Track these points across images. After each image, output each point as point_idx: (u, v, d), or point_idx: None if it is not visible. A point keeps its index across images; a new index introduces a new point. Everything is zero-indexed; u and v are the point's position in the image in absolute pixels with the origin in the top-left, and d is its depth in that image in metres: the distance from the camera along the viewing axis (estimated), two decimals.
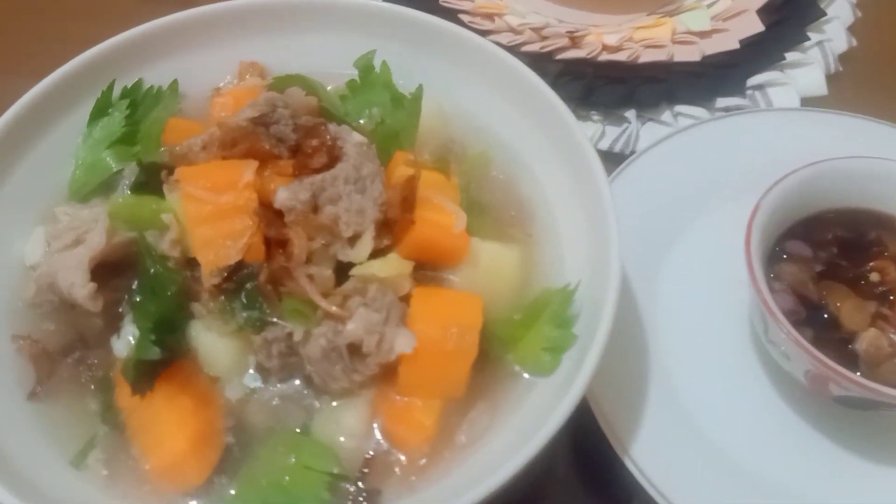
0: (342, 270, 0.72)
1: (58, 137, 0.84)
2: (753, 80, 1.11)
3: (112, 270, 0.74)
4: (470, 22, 1.14)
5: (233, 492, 0.65)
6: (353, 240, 0.72)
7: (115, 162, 0.84)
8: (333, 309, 0.68)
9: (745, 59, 1.12)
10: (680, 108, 1.09)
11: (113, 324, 0.73)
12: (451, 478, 0.66)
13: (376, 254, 0.72)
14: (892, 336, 0.77)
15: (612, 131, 1.08)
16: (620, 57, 1.10)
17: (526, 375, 0.71)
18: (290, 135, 0.77)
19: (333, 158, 0.76)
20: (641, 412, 0.81)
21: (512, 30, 1.14)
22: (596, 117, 1.09)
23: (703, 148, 1.01)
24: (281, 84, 0.81)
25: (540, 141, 0.83)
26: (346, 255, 0.71)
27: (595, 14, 1.21)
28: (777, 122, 1.05)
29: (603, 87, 1.08)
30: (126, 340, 0.72)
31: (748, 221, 0.81)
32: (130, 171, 0.80)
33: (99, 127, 0.85)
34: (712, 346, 0.87)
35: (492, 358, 0.72)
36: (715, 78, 1.11)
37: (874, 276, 0.82)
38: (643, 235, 0.93)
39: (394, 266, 0.70)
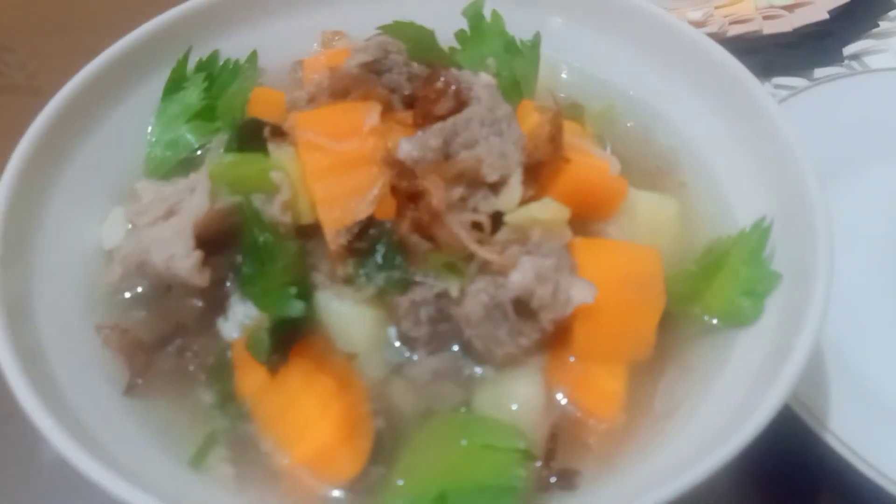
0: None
1: (128, 112, 0.74)
2: (849, 49, 1.05)
3: (212, 245, 0.62)
4: None
5: (401, 482, 0.52)
6: (497, 187, 0.61)
7: (196, 138, 0.74)
8: (495, 257, 0.57)
9: (838, 29, 1.06)
10: (778, 79, 1.02)
11: (217, 306, 0.61)
12: (656, 454, 0.54)
13: (523, 204, 0.61)
14: None
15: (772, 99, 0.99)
16: (708, 30, 1.03)
17: (723, 328, 0.59)
18: (404, 83, 0.68)
19: (461, 103, 0.65)
20: (825, 385, 0.69)
21: None
22: None
23: (813, 115, 0.93)
24: (390, 32, 0.71)
25: (676, 89, 0.74)
26: (492, 204, 0.60)
27: None
28: (883, 83, 0.97)
29: None
30: (237, 321, 0.60)
31: None
32: (217, 143, 0.70)
33: (175, 101, 0.75)
34: (875, 309, 0.77)
35: (675, 315, 0.60)
36: (811, 48, 1.04)
37: None
38: None
39: (553, 209, 0.59)
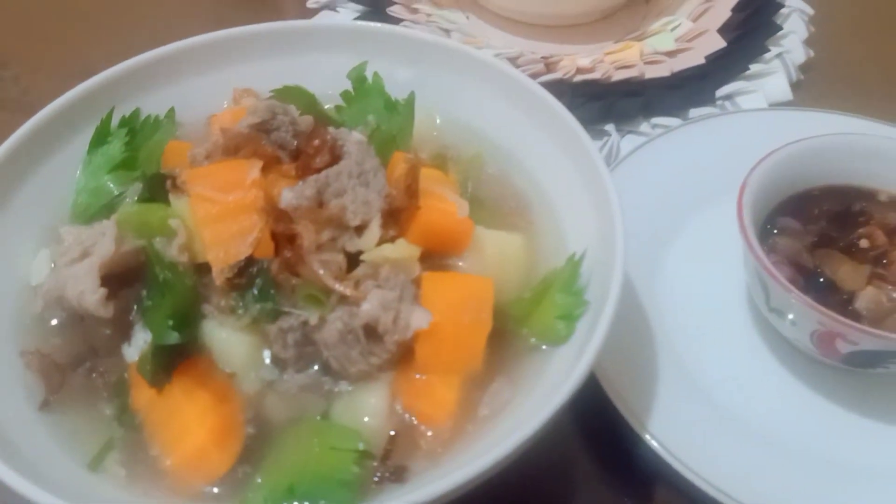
0: (352, 262, 0.73)
1: (58, 164, 0.85)
2: (722, 91, 1.17)
3: (121, 281, 0.74)
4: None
5: (259, 480, 0.64)
6: (361, 230, 0.73)
7: (117, 186, 0.85)
8: (348, 291, 0.68)
9: (713, 72, 1.18)
10: (656, 119, 1.14)
11: (123, 332, 0.72)
12: (474, 449, 0.65)
13: (384, 243, 0.73)
14: (890, 293, 0.79)
15: (595, 145, 1.11)
16: (594, 76, 1.15)
17: (543, 346, 0.71)
18: (290, 140, 0.80)
19: (335, 157, 0.77)
20: (653, 387, 0.81)
21: None
22: None
23: (684, 150, 1.05)
24: (280, 96, 0.83)
25: (530, 136, 0.86)
26: (355, 244, 0.72)
27: (566, 45, 1.27)
28: (750, 123, 1.10)
29: (582, 104, 1.13)
30: (137, 346, 0.71)
31: (738, 198, 0.83)
32: (133, 191, 0.81)
33: (99, 154, 0.86)
34: (715, 325, 0.89)
35: (507, 335, 0.72)
36: (687, 90, 1.16)
37: (864, 243, 0.85)
38: (638, 234, 0.95)
39: (403, 249, 0.71)
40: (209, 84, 0.93)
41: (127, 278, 0.75)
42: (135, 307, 0.73)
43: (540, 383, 0.68)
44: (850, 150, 0.90)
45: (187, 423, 0.65)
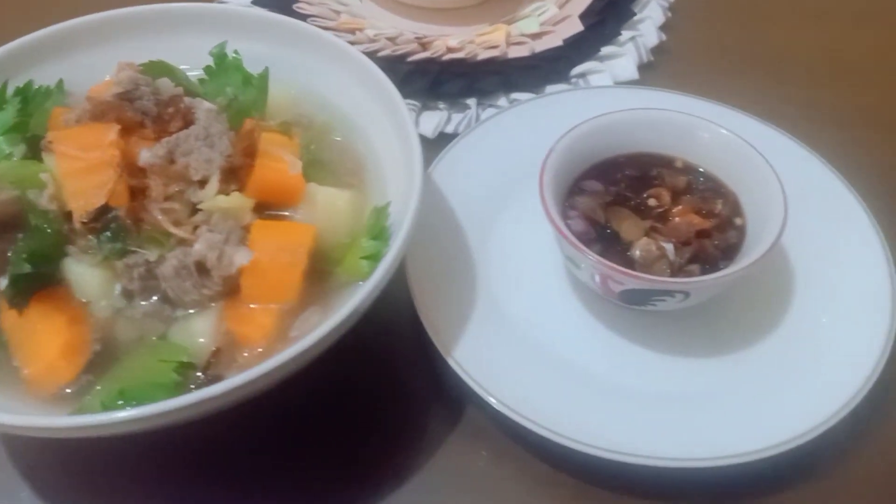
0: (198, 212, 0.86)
1: None
2: (576, 70, 1.30)
3: (2, 226, 0.87)
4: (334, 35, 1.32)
5: (98, 387, 0.78)
6: (203, 184, 0.87)
7: (8, 146, 0.97)
8: (181, 233, 0.82)
9: (569, 54, 1.31)
10: (515, 95, 1.27)
11: (2, 269, 0.86)
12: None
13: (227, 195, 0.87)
14: (661, 243, 0.94)
15: (457, 117, 1.25)
16: (460, 55, 1.28)
17: (353, 283, 0.85)
18: (151, 108, 0.93)
19: (188, 122, 0.91)
20: (465, 321, 0.95)
21: (370, 40, 1.32)
22: (442, 106, 1.26)
23: (534, 121, 1.19)
24: (147, 70, 0.96)
25: (369, 108, 0.99)
26: (197, 196, 0.86)
27: (446, 27, 1.40)
28: (596, 98, 1.23)
29: (448, 80, 1.26)
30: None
31: (542, 163, 0.97)
32: (19, 151, 0.94)
33: None
34: (530, 271, 1.03)
35: (325, 274, 0.86)
36: (545, 70, 1.30)
37: (652, 202, 0.99)
38: (480, 196, 1.09)
39: (235, 200, 0.85)
40: (97, 58, 1.05)
41: (6, 224, 0.88)
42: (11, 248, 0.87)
43: (343, 311, 0.82)
44: (653, 123, 1.04)
45: (41, 340, 0.78)
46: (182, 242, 0.83)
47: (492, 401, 0.88)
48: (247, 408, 0.76)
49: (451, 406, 0.94)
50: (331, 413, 0.92)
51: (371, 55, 1.26)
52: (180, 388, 0.77)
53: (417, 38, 1.31)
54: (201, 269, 0.82)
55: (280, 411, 0.89)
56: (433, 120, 1.23)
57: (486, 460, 0.91)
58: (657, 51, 1.37)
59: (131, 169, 0.87)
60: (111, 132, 0.87)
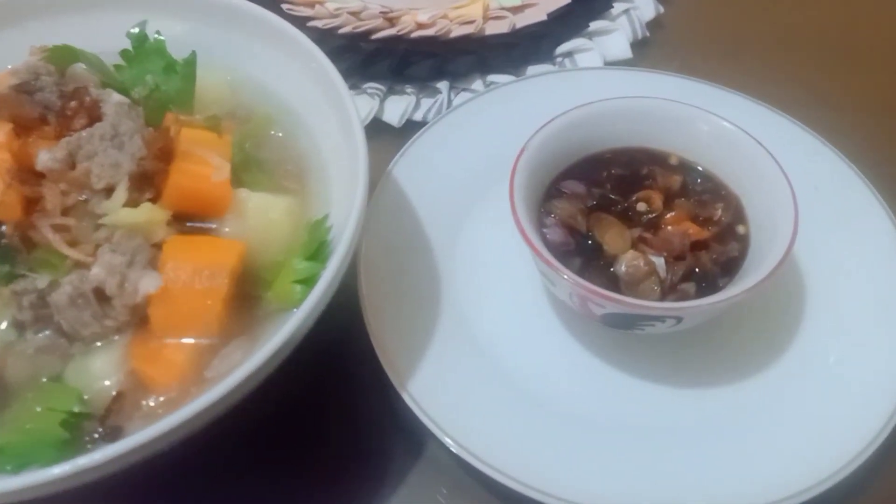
0: None
1: None
2: (562, 49, 1.16)
3: None
4: (289, 9, 1.17)
5: None
6: (110, 192, 0.74)
7: None
8: (76, 255, 0.69)
9: (553, 30, 1.17)
10: (492, 77, 1.13)
11: None
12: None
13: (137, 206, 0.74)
14: (650, 257, 0.80)
15: (427, 102, 1.11)
16: (431, 32, 1.14)
17: (283, 310, 0.72)
18: (55, 101, 0.79)
19: (94, 119, 0.77)
20: (426, 348, 0.82)
21: (331, 15, 1.17)
22: (410, 90, 1.12)
23: (510, 109, 1.05)
24: (53, 56, 0.82)
25: (315, 100, 0.86)
26: (102, 207, 0.73)
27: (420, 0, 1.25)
28: (584, 82, 1.10)
29: (416, 61, 1.12)
30: None
31: (514, 162, 0.84)
32: None
33: None
34: (503, 290, 0.90)
35: (254, 299, 0.74)
36: (526, 48, 1.15)
37: (641, 206, 0.85)
38: (448, 197, 0.96)
39: (143, 213, 0.72)
40: (8, 42, 0.91)
41: None
42: None
43: (269, 347, 0.69)
44: (645, 113, 0.90)
45: None
46: (79, 265, 0.70)
47: (448, 442, 0.76)
48: None
49: (407, 438, 0.82)
50: (273, 446, 0.80)
51: (331, 32, 1.14)
52: (69, 447, 0.64)
53: (383, 12, 1.16)
54: (102, 296, 0.69)
55: (216, 441, 0.76)
56: (399, 106, 1.10)
57: (446, 498, 0.80)
58: (654, 25, 1.22)
59: (28, 175, 0.74)
60: (1, 132, 0.73)
